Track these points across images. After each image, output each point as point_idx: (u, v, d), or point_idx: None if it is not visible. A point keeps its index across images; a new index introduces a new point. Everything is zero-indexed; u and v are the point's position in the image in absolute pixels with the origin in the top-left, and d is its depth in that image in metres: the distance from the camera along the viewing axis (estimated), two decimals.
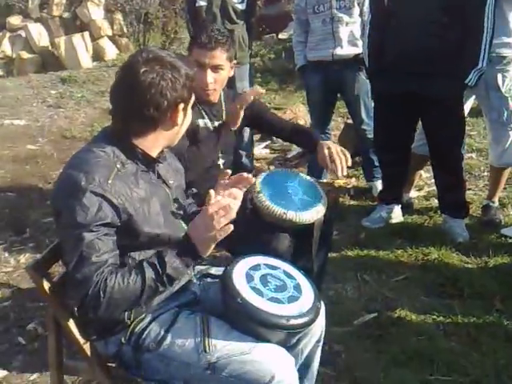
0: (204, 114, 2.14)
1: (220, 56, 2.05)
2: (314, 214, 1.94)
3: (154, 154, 1.50)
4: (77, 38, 7.77)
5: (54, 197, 1.41)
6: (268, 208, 1.88)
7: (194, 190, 1.93)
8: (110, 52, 8.22)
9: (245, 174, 1.54)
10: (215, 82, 2.07)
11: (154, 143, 1.48)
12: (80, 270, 1.31)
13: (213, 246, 1.36)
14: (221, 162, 2.21)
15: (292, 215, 1.88)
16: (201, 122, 2.13)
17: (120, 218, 1.36)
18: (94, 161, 1.37)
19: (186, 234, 1.38)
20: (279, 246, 1.93)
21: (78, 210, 1.31)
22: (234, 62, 2.18)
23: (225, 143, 2.22)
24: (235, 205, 1.38)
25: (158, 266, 1.34)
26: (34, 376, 2.21)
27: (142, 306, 1.45)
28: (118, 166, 1.40)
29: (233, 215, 1.34)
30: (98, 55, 8.14)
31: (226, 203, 1.34)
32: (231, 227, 1.33)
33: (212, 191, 1.42)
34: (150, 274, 1.34)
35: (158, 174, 1.54)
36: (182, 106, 1.45)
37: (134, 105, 1.40)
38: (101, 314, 1.33)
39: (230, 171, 1.54)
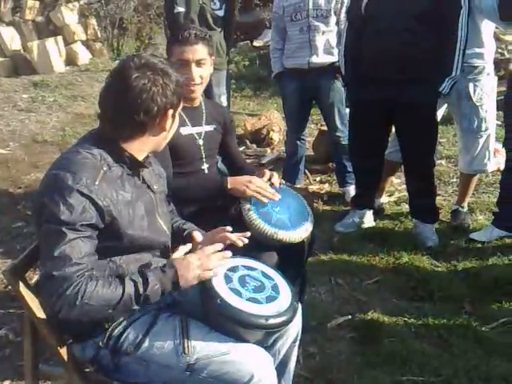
0: (186, 120, 2.15)
1: (202, 50, 2.07)
2: (303, 232, 1.95)
3: (141, 157, 1.52)
4: (50, 43, 7.66)
5: (37, 195, 1.39)
6: (259, 227, 1.88)
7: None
8: (84, 57, 8.13)
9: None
10: (201, 77, 2.10)
11: (141, 147, 1.50)
12: (60, 268, 1.29)
13: (195, 283, 1.44)
14: (205, 166, 2.21)
15: (283, 235, 1.88)
16: (183, 130, 2.13)
17: (104, 220, 1.37)
18: (81, 162, 1.37)
19: (173, 265, 1.42)
20: (268, 261, 1.90)
21: (63, 208, 1.30)
22: (213, 57, 2.20)
23: (209, 148, 2.23)
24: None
25: (140, 285, 1.36)
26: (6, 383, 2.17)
27: (109, 319, 1.45)
28: (105, 168, 1.40)
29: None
30: (71, 60, 8.04)
31: (208, 252, 1.47)
32: (217, 273, 1.47)
33: (196, 233, 1.64)
34: (129, 289, 1.35)
35: (142, 179, 1.54)
36: (171, 111, 1.47)
37: (125, 109, 1.41)
38: (71, 316, 1.32)
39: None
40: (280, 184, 2.08)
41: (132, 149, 1.48)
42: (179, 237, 1.72)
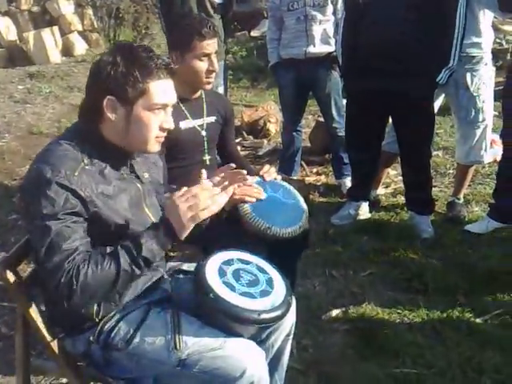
0: (187, 113, 2.13)
1: (216, 42, 2.09)
2: (297, 229, 1.92)
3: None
4: (46, 33, 7.62)
5: (21, 189, 1.40)
6: (252, 221, 1.85)
7: (174, 187, 1.91)
8: (80, 47, 8.10)
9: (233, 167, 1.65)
10: None
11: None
12: (50, 260, 1.29)
13: (191, 227, 1.36)
14: (207, 157, 2.20)
15: (276, 231, 1.85)
16: (183, 124, 2.11)
17: (87, 210, 1.35)
18: (61, 153, 1.36)
19: (163, 215, 1.38)
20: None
21: (44, 202, 1.29)
22: None
23: (212, 140, 2.22)
24: (222, 198, 1.41)
25: (133, 250, 1.33)
26: None
27: (118, 292, 1.45)
28: (86, 161, 1.38)
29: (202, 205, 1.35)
30: (67, 50, 8.01)
31: (194, 191, 1.36)
32: (214, 209, 1.35)
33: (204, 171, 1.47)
34: (124, 257, 1.32)
35: (131, 168, 1.52)
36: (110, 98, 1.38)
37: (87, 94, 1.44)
38: (75, 302, 1.31)
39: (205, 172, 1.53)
40: (275, 178, 2.04)
41: (115, 139, 1.44)
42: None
